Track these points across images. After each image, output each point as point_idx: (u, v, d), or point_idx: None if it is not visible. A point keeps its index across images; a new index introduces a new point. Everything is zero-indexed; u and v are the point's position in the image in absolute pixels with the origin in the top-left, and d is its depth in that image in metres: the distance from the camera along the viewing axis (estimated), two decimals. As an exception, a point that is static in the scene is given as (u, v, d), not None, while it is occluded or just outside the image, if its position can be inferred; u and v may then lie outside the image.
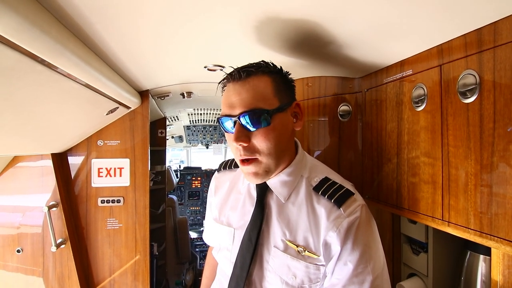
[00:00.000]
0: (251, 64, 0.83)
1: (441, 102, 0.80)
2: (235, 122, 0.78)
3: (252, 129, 0.78)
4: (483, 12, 0.63)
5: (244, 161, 0.81)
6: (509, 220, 0.64)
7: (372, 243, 0.79)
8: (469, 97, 0.71)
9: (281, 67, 0.87)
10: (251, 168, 0.81)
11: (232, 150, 0.84)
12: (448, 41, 0.77)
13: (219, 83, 0.86)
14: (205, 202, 4.77)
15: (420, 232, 1.14)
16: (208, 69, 1.26)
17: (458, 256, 1.07)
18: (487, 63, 0.67)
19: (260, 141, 0.79)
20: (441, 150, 0.80)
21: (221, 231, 0.98)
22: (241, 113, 0.77)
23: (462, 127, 0.73)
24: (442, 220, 0.80)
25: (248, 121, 0.77)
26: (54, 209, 1.54)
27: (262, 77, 0.80)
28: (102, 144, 1.66)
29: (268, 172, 0.83)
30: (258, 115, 0.77)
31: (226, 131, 0.84)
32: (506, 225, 0.65)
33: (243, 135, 0.78)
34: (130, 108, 1.62)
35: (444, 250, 1.10)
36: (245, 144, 0.78)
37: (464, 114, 0.72)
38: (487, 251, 0.92)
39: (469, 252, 1.00)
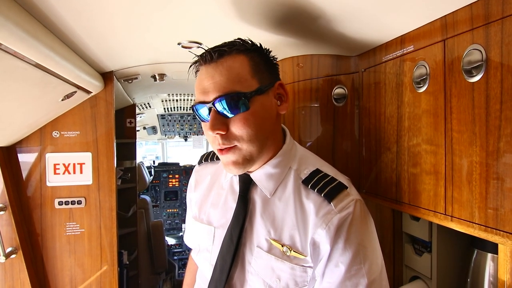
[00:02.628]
0: (224, 43, 0.83)
1: (444, 82, 0.81)
2: (210, 109, 0.79)
3: (229, 115, 0.79)
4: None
5: (222, 150, 0.82)
6: (516, 212, 0.67)
7: (368, 242, 0.80)
8: (475, 76, 0.72)
9: (260, 44, 0.87)
10: (229, 156, 0.82)
11: (209, 139, 0.85)
12: (453, 12, 0.79)
13: (190, 66, 0.86)
14: (184, 204, 4.79)
15: (423, 230, 1.18)
16: (183, 46, 1.24)
17: (464, 255, 1.11)
18: (494, 37, 0.69)
19: (239, 128, 0.79)
20: (444, 136, 0.82)
21: (201, 230, 0.99)
22: (215, 98, 0.78)
23: (466, 109, 0.75)
24: (445, 214, 0.83)
25: (224, 106, 0.78)
26: (2, 212, 1.51)
27: (238, 57, 0.81)
28: (58, 135, 1.62)
29: (249, 161, 0.84)
30: (235, 99, 0.77)
31: (202, 120, 0.85)
32: (512, 217, 0.67)
33: (219, 122, 0.79)
34: (91, 92, 1.58)
35: (449, 250, 1.13)
36: (222, 133, 0.79)
37: (469, 95, 0.74)
38: (495, 248, 0.95)
39: (476, 251, 1.04)
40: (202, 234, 0.98)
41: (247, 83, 0.80)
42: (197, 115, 0.84)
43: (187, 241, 1.16)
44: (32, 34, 0.86)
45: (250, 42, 0.85)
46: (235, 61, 0.80)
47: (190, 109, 3.76)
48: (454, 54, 0.79)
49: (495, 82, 0.68)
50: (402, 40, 0.97)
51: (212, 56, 0.79)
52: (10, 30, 0.76)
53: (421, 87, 0.89)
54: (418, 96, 0.90)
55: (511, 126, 0.66)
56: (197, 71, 0.85)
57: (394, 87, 1.01)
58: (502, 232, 0.70)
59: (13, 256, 1.52)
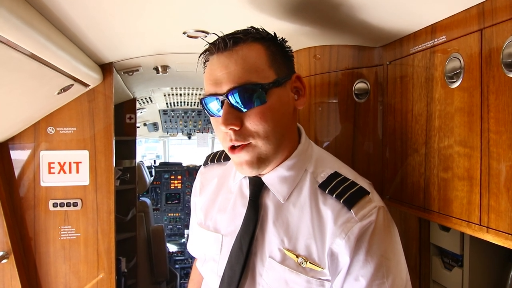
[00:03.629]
0: (237, 31, 0.83)
1: (481, 77, 0.80)
2: (222, 102, 0.78)
3: (244, 109, 0.78)
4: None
5: (234, 148, 0.81)
6: (562, 224, 0.65)
7: (391, 253, 0.80)
8: (516, 70, 0.71)
9: (274, 33, 0.87)
10: (243, 155, 0.81)
11: (219, 136, 0.85)
12: (492, -2, 0.77)
13: (200, 55, 0.86)
14: (187, 207, 4.83)
15: (454, 242, 1.16)
16: (188, 36, 1.25)
17: (500, 271, 1.09)
18: (539, 26, 0.67)
19: (254, 123, 0.79)
20: (480, 138, 0.80)
21: (207, 238, 0.99)
22: (229, 90, 0.77)
23: (506, 107, 0.73)
24: (480, 225, 0.81)
25: (239, 99, 0.77)
26: (-7, 214, 1.54)
27: (254, 45, 0.81)
28: (53, 132, 1.65)
29: (264, 161, 0.83)
30: (250, 91, 0.77)
31: (211, 115, 0.84)
32: (557, 230, 0.66)
33: (233, 117, 0.78)
34: (89, 86, 1.61)
35: (484, 264, 1.11)
36: (236, 128, 0.78)
37: (510, 92, 0.72)
38: (535, 264, 0.94)
39: (513, 266, 1.03)
40: (208, 242, 0.99)
41: (264, 73, 0.80)
42: (206, 109, 0.84)
43: (191, 250, 1.16)
44: (27, 22, 0.87)
45: (263, 30, 0.85)
46: (251, 50, 0.80)
47: (194, 105, 3.78)
48: (493, 45, 0.77)
49: (539, 77, 0.67)
50: (433, 30, 0.96)
51: (227, 43, 0.79)
52: (4, 17, 0.78)
53: (454, 82, 0.87)
54: (451, 92, 0.89)
55: (557, 127, 0.64)
56: (205, 61, 0.85)
57: (423, 82, 0.99)
58: (545, 246, 0.68)
59: (4, 261, 1.55)
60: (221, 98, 0.78)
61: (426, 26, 0.98)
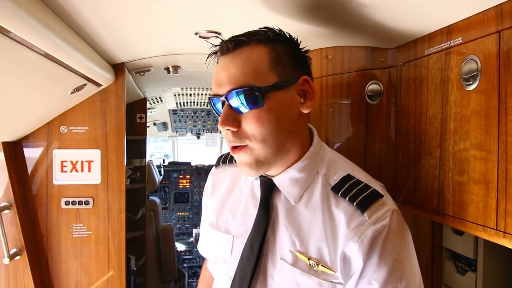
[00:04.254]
0: (246, 32, 0.84)
1: (498, 79, 0.78)
2: (223, 103, 0.82)
3: (242, 111, 0.80)
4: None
5: (235, 148, 0.84)
6: None
7: (405, 258, 0.79)
8: (536, 73, 0.70)
9: (289, 34, 0.87)
10: (242, 156, 0.84)
11: (223, 135, 0.87)
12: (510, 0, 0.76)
13: (208, 56, 0.88)
14: (195, 207, 4.85)
15: (467, 246, 1.14)
16: (200, 37, 1.25)
17: (514, 276, 1.07)
18: (560, 28, 0.66)
19: (250, 126, 0.80)
20: (497, 141, 0.79)
21: (218, 239, 1.00)
22: (228, 92, 0.80)
23: (525, 111, 0.72)
24: (496, 229, 0.80)
25: (236, 101, 0.79)
26: (6, 211, 1.57)
27: (256, 47, 0.81)
28: (66, 131, 1.67)
29: (263, 163, 0.84)
30: (247, 94, 0.78)
31: (218, 114, 0.87)
32: None
33: (230, 118, 0.80)
34: (101, 85, 1.62)
35: (498, 269, 1.10)
36: (233, 129, 0.81)
37: (528, 95, 0.71)
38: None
39: (528, 272, 1.01)
40: (219, 243, 0.99)
41: (263, 76, 0.80)
42: (213, 109, 0.88)
43: (202, 250, 1.16)
44: (44, 23, 0.89)
45: (276, 32, 0.85)
46: (253, 52, 0.81)
47: (204, 105, 3.80)
48: (511, 47, 0.76)
49: (560, 80, 0.66)
50: (449, 31, 0.94)
51: (228, 46, 0.81)
52: (22, 19, 0.79)
53: (470, 84, 0.86)
54: (467, 95, 0.87)
55: None
56: (217, 62, 0.87)
57: (438, 84, 0.98)
58: None
59: (17, 257, 1.58)
60: (221, 98, 0.81)
61: (442, 27, 0.97)
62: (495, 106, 0.79)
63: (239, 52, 0.81)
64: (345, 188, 0.84)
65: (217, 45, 0.85)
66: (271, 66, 0.81)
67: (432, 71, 1.01)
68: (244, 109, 0.80)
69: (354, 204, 0.81)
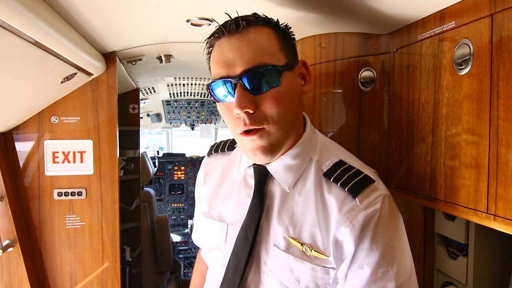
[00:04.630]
0: (246, 15, 0.82)
1: (491, 63, 0.78)
2: (235, 85, 0.77)
3: (257, 92, 0.77)
4: None
5: (248, 133, 0.80)
6: None
7: (396, 242, 0.80)
8: (528, 56, 0.70)
9: (277, 20, 0.86)
10: (256, 141, 0.80)
11: (230, 122, 0.83)
12: (504, -18, 0.75)
13: (209, 38, 0.85)
14: (190, 198, 4.86)
15: (459, 231, 1.16)
16: (192, 24, 1.24)
17: (505, 261, 1.09)
18: (552, 10, 0.66)
19: (269, 106, 0.78)
20: (488, 125, 0.79)
21: (212, 228, 1.00)
22: (243, 72, 0.76)
23: (516, 94, 0.73)
24: (487, 213, 0.81)
25: (253, 81, 0.77)
26: (-2, 203, 1.55)
27: (264, 29, 0.81)
28: (57, 121, 1.65)
29: (276, 147, 0.83)
30: (265, 73, 0.77)
31: (219, 101, 0.83)
32: None
33: (247, 100, 0.76)
34: (92, 75, 1.60)
35: (489, 254, 1.11)
36: (251, 111, 0.77)
37: (520, 78, 0.72)
38: (541, 253, 0.93)
39: (519, 256, 1.03)
40: (213, 231, 0.99)
41: (277, 56, 0.80)
42: (214, 95, 0.82)
43: (196, 239, 1.17)
44: (31, 8, 0.87)
45: (269, 17, 0.85)
46: (262, 33, 0.80)
47: (198, 95, 3.77)
48: (504, 31, 0.75)
49: (551, 62, 0.66)
50: (441, 16, 0.94)
51: (240, 24, 0.78)
52: (8, 4, 0.77)
53: (463, 69, 0.86)
54: (459, 79, 0.88)
55: None
56: (210, 47, 0.84)
57: (431, 69, 0.98)
58: (553, 234, 0.68)
59: (10, 249, 1.57)
60: (233, 80, 0.77)
61: (435, 12, 0.96)
62: (487, 90, 0.79)
63: (247, 32, 0.78)
64: (337, 174, 0.84)
65: (221, 24, 0.81)
66: (280, 47, 0.81)
67: (425, 56, 1.01)
68: (262, 89, 0.77)
69: (346, 189, 0.81)
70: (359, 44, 1.24)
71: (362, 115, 1.25)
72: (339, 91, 1.29)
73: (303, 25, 1.19)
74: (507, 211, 0.76)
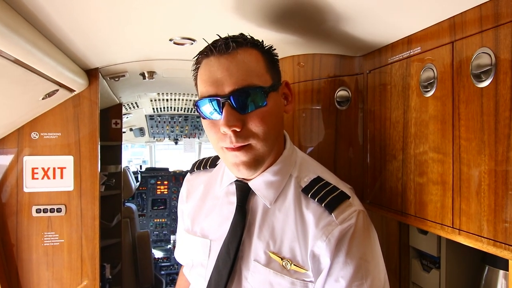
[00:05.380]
0: (235, 35, 0.85)
1: (452, 87, 0.84)
2: (222, 104, 0.79)
3: (244, 111, 0.80)
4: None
5: (233, 149, 0.82)
6: (526, 225, 0.69)
7: (370, 256, 0.83)
8: (484, 80, 0.75)
9: (262, 41, 0.89)
10: (241, 156, 0.82)
11: (213, 138, 0.85)
12: (462, 13, 0.82)
13: (196, 56, 0.87)
14: (173, 213, 4.80)
15: (431, 245, 1.20)
16: (175, 43, 1.27)
17: (475, 272, 1.13)
18: (504, 40, 0.72)
19: (255, 125, 0.81)
20: (452, 144, 0.84)
21: (195, 244, 1.00)
22: (231, 92, 0.79)
23: (475, 116, 0.78)
24: (452, 227, 0.85)
25: (241, 101, 0.79)
26: (-26, 220, 1.52)
27: (252, 50, 0.83)
28: (37, 137, 1.64)
29: (259, 163, 0.85)
30: (253, 94, 0.80)
31: (205, 117, 0.85)
32: (522, 231, 0.70)
33: (234, 118, 0.79)
34: (74, 91, 1.60)
35: (459, 266, 1.16)
36: (238, 130, 0.79)
37: (478, 101, 0.77)
38: (507, 265, 0.98)
39: (487, 267, 1.07)
40: (196, 248, 0.99)
41: (264, 77, 0.83)
42: (200, 111, 0.84)
43: (178, 257, 1.17)
44: (13, 28, 0.87)
45: (255, 39, 0.88)
46: (251, 54, 0.82)
47: (181, 110, 3.78)
48: (463, 57, 0.82)
49: (504, 88, 0.71)
50: (409, 41, 1.00)
51: (230, 45, 0.80)
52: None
53: (428, 91, 0.92)
54: (425, 101, 0.93)
55: (520, 135, 0.69)
56: (197, 63, 0.86)
57: (401, 90, 1.03)
58: (511, 247, 0.72)
59: (-15, 268, 1.53)
60: (222, 99, 0.79)
61: (403, 37, 1.02)
62: (450, 112, 0.85)
63: (236, 53, 0.80)
64: (315, 190, 0.87)
65: (211, 43, 0.83)
66: (266, 68, 0.84)
67: (394, 78, 1.06)
68: (248, 108, 0.80)
69: (323, 205, 0.84)
70: (335, 65, 1.29)
71: (338, 132, 1.30)
72: (318, 107, 1.33)
73: (282, 45, 1.24)
74: (470, 226, 0.80)
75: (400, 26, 0.97)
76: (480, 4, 0.77)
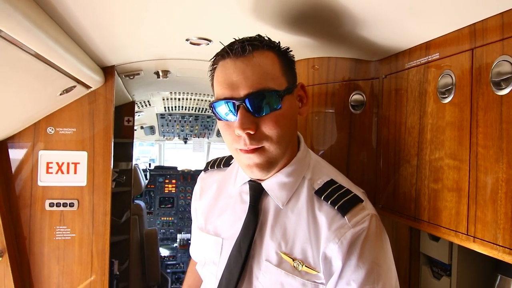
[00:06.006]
0: (251, 37, 0.86)
1: (471, 93, 0.84)
2: (238, 107, 0.80)
3: (259, 114, 0.81)
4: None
5: (247, 151, 0.83)
6: (543, 235, 0.69)
7: (382, 260, 0.83)
8: (504, 88, 0.75)
9: (279, 42, 0.90)
10: (254, 158, 0.84)
11: (228, 139, 0.87)
12: (483, 20, 0.81)
13: (213, 58, 0.88)
14: (180, 212, 4.83)
15: (442, 252, 1.19)
16: (191, 43, 1.28)
17: (487, 281, 1.12)
18: (525, 49, 0.72)
19: (269, 128, 0.82)
20: (468, 151, 0.84)
21: (207, 242, 1.02)
22: (247, 95, 0.80)
23: (493, 123, 0.78)
24: (467, 234, 0.85)
25: (256, 104, 0.80)
26: (-11, 212, 1.55)
27: (268, 53, 0.84)
28: (53, 132, 1.67)
29: (273, 164, 0.87)
30: (268, 97, 0.81)
31: (220, 119, 0.86)
32: (539, 241, 0.69)
33: (249, 121, 0.80)
34: (91, 88, 1.63)
35: (471, 274, 1.15)
36: (252, 132, 0.81)
37: (497, 109, 0.77)
38: (520, 275, 0.97)
39: (499, 276, 1.06)
40: (208, 245, 1.01)
41: (279, 80, 0.83)
42: (216, 113, 0.85)
43: (193, 253, 1.18)
44: (37, 24, 0.90)
45: (272, 40, 0.88)
46: (266, 57, 0.83)
47: (192, 109, 3.81)
48: (483, 64, 0.81)
49: (524, 96, 0.71)
50: (427, 47, 1.00)
51: (246, 49, 0.80)
52: (17, 20, 0.80)
53: (446, 97, 0.91)
54: (443, 107, 0.93)
55: (540, 144, 0.68)
56: (214, 65, 0.88)
57: (417, 96, 1.03)
58: (527, 256, 0.72)
59: (-1, 259, 1.56)
60: (237, 102, 0.80)
61: (421, 43, 1.02)
62: (468, 118, 0.85)
63: (253, 55, 0.81)
64: (328, 192, 0.87)
65: (227, 46, 0.84)
66: (282, 71, 0.85)
67: (411, 83, 1.06)
68: (263, 111, 0.81)
69: (336, 207, 0.84)
70: (350, 69, 1.29)
71: (352, 135, 1.30)
72: (331, 111, 1.33)
73: (298, 48, 1.24)
74: (485, 233, 0.80)
75: (418, 32, 0.97)
76: (502, 12, 0.76)
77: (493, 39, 0.79)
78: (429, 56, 0.99)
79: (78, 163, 1.69)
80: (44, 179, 1.66)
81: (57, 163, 1.67)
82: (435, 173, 0.95)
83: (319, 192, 0.89)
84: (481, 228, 0.81)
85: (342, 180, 0.93)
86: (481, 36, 0.82)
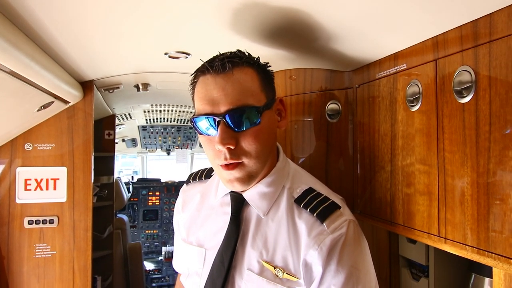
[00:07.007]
0: (232, 53, 0.88)
1: (436, 102, 0.89)
2: (218, 123, 0.82)
3: (239, 129, 0.83)
4: (478, 2, 0.72)
5: (227, 166, 0.85)
6: (507, 234, 0.73)
7: (361, 264, 0.85)
8: (465, 96, 0.80)
9: (258, 58, 0.92)
10: (234, 173, 0.85)
11: (210, 154, 0.88)
12: (444, 33, 0.87)
13: (193, 74, 0.90)
14: (165, 224, 4.77)
15: (420, 254, 1.23)
16: (170, 56, 1.30)
17: (462, 280, 1.16)
18: (482, 59, 0.76)
19: (248, 143, 0.84)
20: (436, 157, 0.89)
21: (191, 253, 1.02)
22: (227, 111, 0.81)
23: (458, 130, 0.82)
24: (439, 236, 0.89)
25: (236, 120, 0.82)
26: (-35, 232, 1.50)
27: (247, 69, 0.86)
28: (30, 148, 1.64)
29: (253, 178, 0.88)
30: (248, 113, 0.82)
31: (201, 133, 0.87)
32: (503, 239, 0.73)
33: (229, 136, 0.81)
34: (69, 103, 1.62)
35: (447, 274, 1.19)
36: (232, 147, 0.82)
37: (460, 116, 0.81)
38: (492, 273, 1.01)
39: (473, 275, 1.10)
40: (192, 257, 1.01)
41: (258, 97, 0.85)
42: (197, 128, 0.87)
43: (176, 265, 1.18)
44: (12, 43, 0.89)
45: (248, 55, 0.90)
46: (246, 74, 0.85)
47: (174, 121, 3.80)
48: (446, 74, 0.86)
49: (484, 103, 0.76)
50: (395, 58, 1.05)
51: (226, 66, 0.82)
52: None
53: (414, 105, 0.96)
54: (411, 115, 0.97)
55: (499, 148, 0.73)
56: (195, 79, 0.89)
57: (388, 104, 1.08)
58: (493, 255, 0.75)
59: (-25, 281, 1.51)
60: (217, 118, 0.82)
61: (390, 54, 1.07)
62: (434, 125, 0.89)
63: (233, 72, 0.83)
64: (307, 200, 0.90)
65: (207, 62, 0.86)
66: (261, 87, 0.87)
67: (382, 92, 1.11)
68: (243, 126, 0.83)
69: (314, 214, 0.87)
70: (325, 79, 1.34)
71: (329, 143, 1.33)
72: (309, 119, 1.37)
73: (276, 60, 1.28)
74: (455, 234, 0.84)
75: (387, 44, 1.02)
76: (460, 25, 0.82)
77: (454, 50, 0.84)
78: (398, 67, 1.04)
79: (58, 179, 1.67)
80: (22, 196, 1.63)
81: (36, 180, 1.64)
82: (408, 178, 1.00)
83: (298, 200, 0.91)
84: (451, 229, 0.85)
85: (321, 188, 0.96)
86: (443, 47, 0.87)
